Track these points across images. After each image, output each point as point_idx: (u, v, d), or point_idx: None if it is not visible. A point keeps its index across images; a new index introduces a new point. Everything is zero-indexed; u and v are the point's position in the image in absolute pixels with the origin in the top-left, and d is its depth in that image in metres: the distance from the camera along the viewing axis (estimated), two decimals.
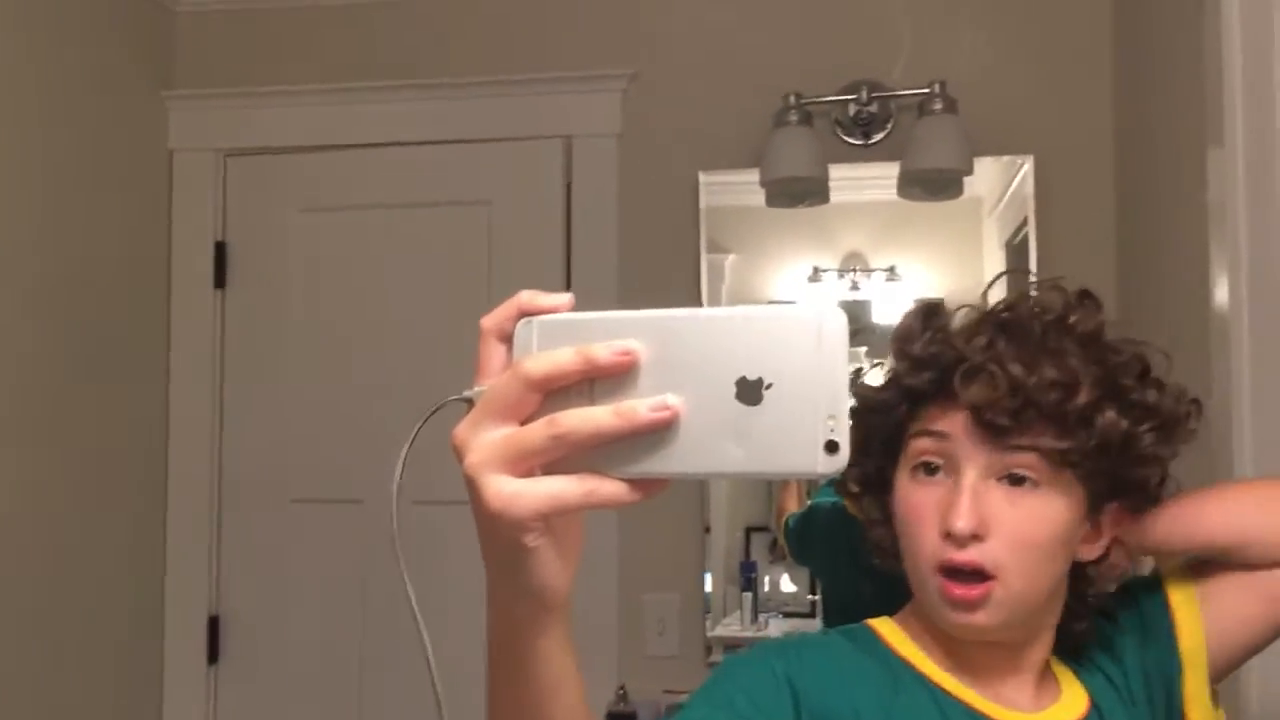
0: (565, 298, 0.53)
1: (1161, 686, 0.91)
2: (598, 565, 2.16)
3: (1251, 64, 1.44)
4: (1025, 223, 2.14)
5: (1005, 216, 2.17)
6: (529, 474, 0.49)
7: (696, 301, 2.21)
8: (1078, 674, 0.93)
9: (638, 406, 0.48)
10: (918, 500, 0.87)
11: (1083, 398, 0.83)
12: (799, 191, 2.19)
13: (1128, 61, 2.07)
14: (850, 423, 0.48)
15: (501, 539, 0.50)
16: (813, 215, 2.20)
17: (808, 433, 0.48)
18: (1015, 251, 2.15)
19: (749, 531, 2.25)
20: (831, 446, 0.48)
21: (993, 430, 0.83)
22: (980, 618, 0.84)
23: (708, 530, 2.22)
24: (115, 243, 2.24)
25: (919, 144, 2.09)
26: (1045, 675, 0.92)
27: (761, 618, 2.21)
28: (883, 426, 0.90)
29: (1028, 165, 2.14)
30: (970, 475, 0.84)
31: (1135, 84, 2.02)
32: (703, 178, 2.23)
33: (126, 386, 2.27)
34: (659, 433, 0.49)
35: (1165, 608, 0.92)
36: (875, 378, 0.93)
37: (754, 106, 2.18)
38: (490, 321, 0.53)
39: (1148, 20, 1.94)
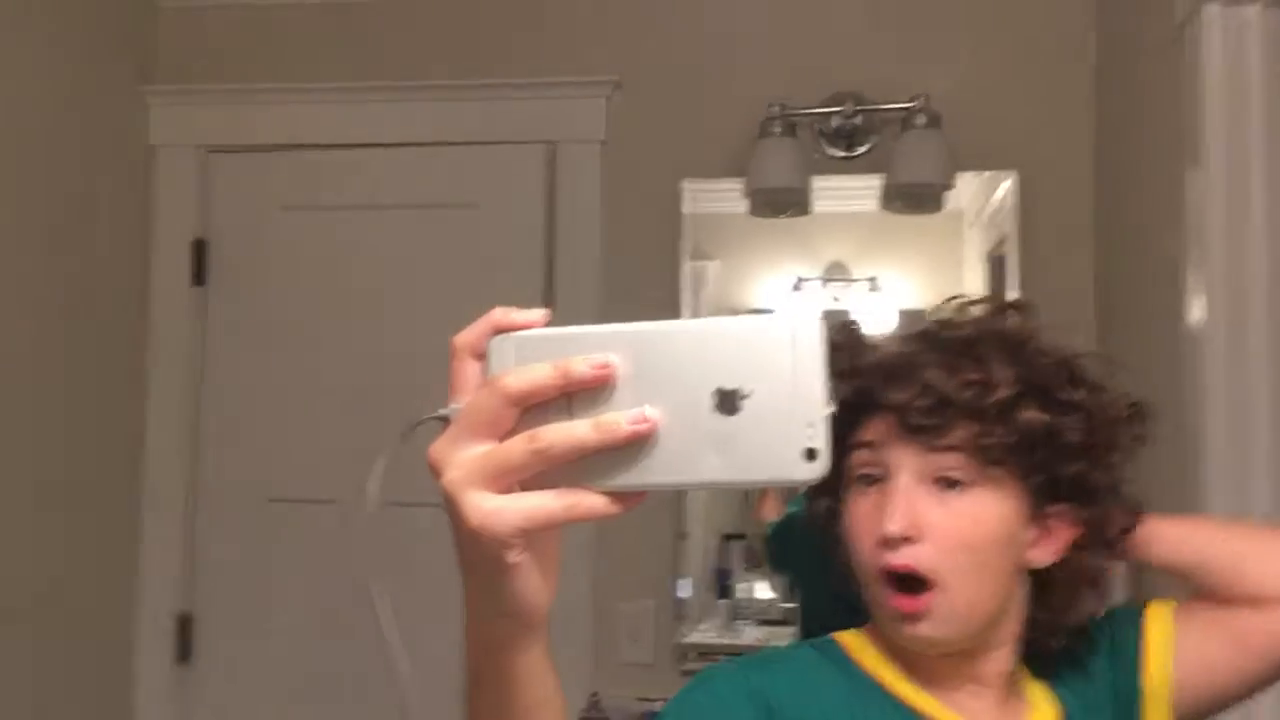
0: (539, 313, 0.52)
1: (1125, 712, 0.91)
2: (572, 571, 2.16)
3: (1229, 86, 1.46)
4: (1005, 237, 2.16)
5: (986, 230, 2.19)
6: (508, 490, 0.49)
7: (678, 309, 2.21)
8: (1053, 691, 0.93)
9: (618, 419, 0.48)
10: (858, 511, 0.89)
11: (1001, 393, 0.84)
12: (782, 201, 2.20)
13: (1109, 82, 2.09)
14: (828, 430, 0.48)
15: (482, 556, 0.50)
16: (796, 225, 2.21)
17: (786, 441, 0.48)
18: (995, 265, 2.17)
19: (725, 539, 2.25)
20: (810, 454, 0.48)
21: (917, 431, 0.85)
22: (925, 629, 0.85)
23: (683, 537, 2.22)
24: (94, 238, 2.22)
25: (902, 157, 2.11)
26: (1014, 691, 0.92)
27: (737, 625, 2.22)
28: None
29: (1010, 181, 2.15)
30: (901, 479, 0.86)
31: (1116, 104, 2.04)
32: (686, 185, 2.24)
33: (103, 382, 2.25)
34: (638, 445, 0.49)
35: (1139, 635, 0.92)
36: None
37: (738, 116, 2.19)
38: (463, 339, 0.53)
39: (1129, 43, 1.96)
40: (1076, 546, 0.90)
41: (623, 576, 2.21)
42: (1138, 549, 0.92)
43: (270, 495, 2.33)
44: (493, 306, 0.54)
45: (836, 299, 2.21)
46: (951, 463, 0.85)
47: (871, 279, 2.21)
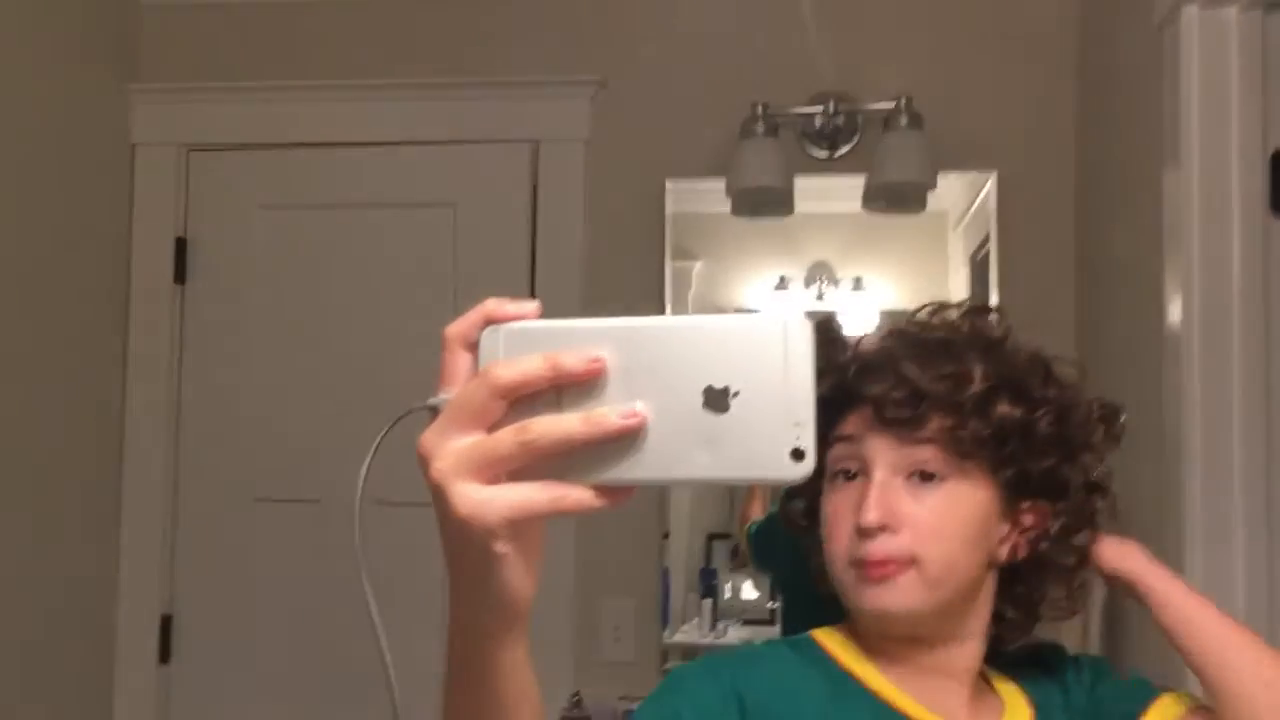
0: (532, 305, 0.52)
1: None
2: (554, 569, 2.15)
3: (1207, 88, 1.48)
4: (988, 239, 2.17)
5: (970, 231, 2.20)
6: (496, 481, 0.49)
7: (662, 308, 2.21)
8: (1024, 690, 0.94)
9: (607, 413, 0.49)
10: (835, 504, 0.91)
11: (975, 388, 0.86)
12: (765, 201, 2.20)
13: (1090, 83, 2.10)
14: (816, 430, 0.49)
15: (470, 546, 0.50)
16: (780, 224, 2.22)
17: (774, 440, 0.48)
18: (979, 267, 2.18)
19: (710, 538, 2.26)
20: (798, 454, 0.48)
21: (893, 424, 0.87)
22: (893, 596, 0.86)
23: (666, 536, 2.22)
24: (75, 236, 2.20)
25: (884, 157, 2.12)
26: (986, 690, 0.93)
27: (721, 624, 2.22)
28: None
29: (991, 181, 2.17)
30: (878, 473, 0.88)
31: (1097, 105, 2.06)
32: (669, 185, 2.24)
33: (83, 381, 2.23)
34: (626, 440, 0.49)
35: (1139, 712, 0.91)
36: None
37: (721, 115, 2.19)
38: (455, 329, 0.53)
39: (1110, 44, 1.98)
40: (1045, 541, 0.91)
41: (605, 575, 2.21)
42: (1163, 618, 0.90)
43: (252, 495, 2.31)
44: (476, 305, 0.53)
45: (820, 299, 2.22)
46: (926, 455, 0.87)
47: (856, 279, 2.22)
